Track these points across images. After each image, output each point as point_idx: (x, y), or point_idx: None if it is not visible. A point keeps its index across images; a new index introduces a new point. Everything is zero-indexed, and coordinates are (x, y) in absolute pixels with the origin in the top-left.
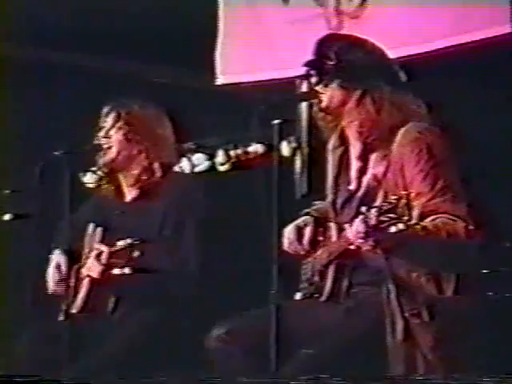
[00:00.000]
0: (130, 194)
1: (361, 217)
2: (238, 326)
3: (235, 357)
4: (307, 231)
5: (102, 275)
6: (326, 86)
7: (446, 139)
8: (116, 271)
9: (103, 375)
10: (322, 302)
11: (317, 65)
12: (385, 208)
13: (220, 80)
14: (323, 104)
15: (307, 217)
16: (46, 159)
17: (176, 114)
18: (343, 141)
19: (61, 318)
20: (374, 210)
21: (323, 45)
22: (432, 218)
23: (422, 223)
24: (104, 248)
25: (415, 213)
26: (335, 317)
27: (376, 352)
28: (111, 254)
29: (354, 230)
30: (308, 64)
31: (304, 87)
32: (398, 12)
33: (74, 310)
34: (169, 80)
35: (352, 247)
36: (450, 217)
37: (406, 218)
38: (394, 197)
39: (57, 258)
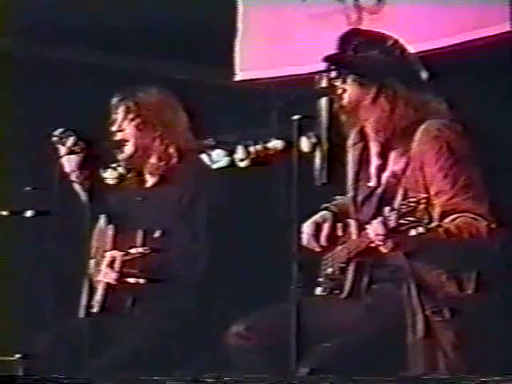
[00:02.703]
0: (150, 180)
1: (380, 218)
2: (257, 322)
3: (254, 353)
4: (325, 227)
5: (118, 281)
6: (344, 81)
7: (466, 136)
8: (131, 280)
9: (119, 374)
10: (342, 299)
11: (335, 60)
12: (404, 211)
13: (239, 76)
14: (344, 101)
15: (326, 212)
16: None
17: (195, 111)
18: (363, 137)
19: (81, 315)
20: (393, 213)
21: (344, 39)
22: (453, 217)
23: (443, 225)
24: (117, 255)
25: (436, 211)
26: (355, 314)
27: (396, 349)
28: (124, 262)
29: (374, 231)
30: (327, 59)
31: (323, 83)
32: (418, 6)
33: (93, 309)
34: (188, 77)
35: (372, 245)
36: (472, 215)
37: (425, 221)
38: (413, 199)
39: None
